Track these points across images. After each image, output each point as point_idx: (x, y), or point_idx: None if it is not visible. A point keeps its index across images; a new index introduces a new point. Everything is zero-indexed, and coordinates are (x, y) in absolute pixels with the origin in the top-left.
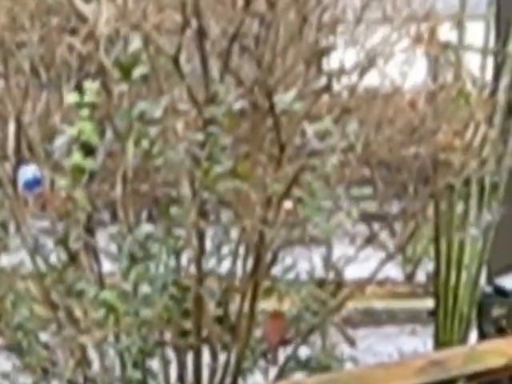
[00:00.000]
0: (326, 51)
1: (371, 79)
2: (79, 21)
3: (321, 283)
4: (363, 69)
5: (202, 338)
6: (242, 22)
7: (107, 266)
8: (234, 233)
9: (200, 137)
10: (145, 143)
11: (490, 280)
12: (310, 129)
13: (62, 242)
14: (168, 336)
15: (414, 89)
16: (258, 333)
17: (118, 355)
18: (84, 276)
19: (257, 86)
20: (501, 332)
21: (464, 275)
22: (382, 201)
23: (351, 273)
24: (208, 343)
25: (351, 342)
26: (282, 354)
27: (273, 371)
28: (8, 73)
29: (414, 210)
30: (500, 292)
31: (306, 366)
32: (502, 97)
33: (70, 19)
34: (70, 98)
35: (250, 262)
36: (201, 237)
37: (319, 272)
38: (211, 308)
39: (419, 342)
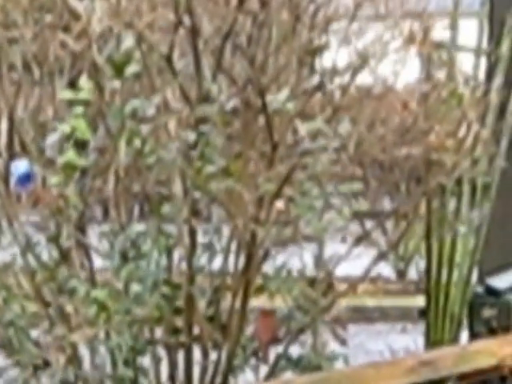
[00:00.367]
0: (318, 50)
1: (364, 79)
2: (72, 18)
3: (312, 282)
4: (356, 68)
5: (193, 336)
6: (234, 20)
7: (98, 262)
8: (226, 230)
9: (192, 135)
10: (137, 141)
11: (481, 280)
12: (303, 128)
13: (54, 239)
14: (159, 334)
15: (407, 88)
16: (248, 331)
17: (109, 353)
18: (75, 274)
19: (249, 84)
20: (492, 332)
21: (455, 274)
22: (374, 199)
23: (343, 270)
24: (199, 341)
25: (342, 341)
26: (273, 352)
27: (263, 369)
28: (1, 69)
29: (406, 209)
30: (491, 292)
31: (296, 364)
32: (494, 97)
33: (62, 16)
34: (65, 95)
35: (242, 261)
36: (192, 235)
37: (311, 270)
38: (202, 306)
39: (410, 339)
